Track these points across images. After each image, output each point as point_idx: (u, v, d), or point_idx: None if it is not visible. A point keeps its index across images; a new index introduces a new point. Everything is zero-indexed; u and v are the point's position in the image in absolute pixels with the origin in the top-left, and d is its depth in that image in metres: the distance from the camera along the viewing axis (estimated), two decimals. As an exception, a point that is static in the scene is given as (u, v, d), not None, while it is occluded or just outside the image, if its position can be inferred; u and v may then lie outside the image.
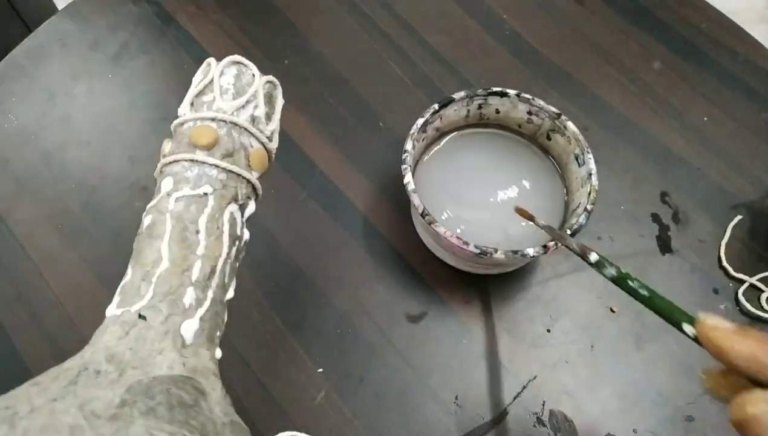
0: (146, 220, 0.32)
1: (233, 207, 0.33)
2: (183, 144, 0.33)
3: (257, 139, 0.35)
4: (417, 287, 0.45)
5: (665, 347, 0.43)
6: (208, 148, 0.32)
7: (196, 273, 0.30)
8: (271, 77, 0.36)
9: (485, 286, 0.45)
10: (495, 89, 0.42)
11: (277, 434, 0.39)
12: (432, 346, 0.43)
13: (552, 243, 0.37)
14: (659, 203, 0.49)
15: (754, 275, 0.45)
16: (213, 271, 0.31)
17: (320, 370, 0.42)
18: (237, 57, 0.35)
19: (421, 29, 0.56)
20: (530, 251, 0.37)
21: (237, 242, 0.34)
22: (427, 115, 0.41)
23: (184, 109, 0.34)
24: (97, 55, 0.54)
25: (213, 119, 0.33)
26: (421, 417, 0.41)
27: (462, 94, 0.42)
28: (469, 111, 0.44)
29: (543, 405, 0.41)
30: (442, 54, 0.55)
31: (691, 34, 0.56)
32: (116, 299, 0.30)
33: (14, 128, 0.50)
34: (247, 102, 0.34)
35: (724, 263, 0.46)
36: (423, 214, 0.38)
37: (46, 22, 0.56)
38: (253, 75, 0.35)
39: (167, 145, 0.34)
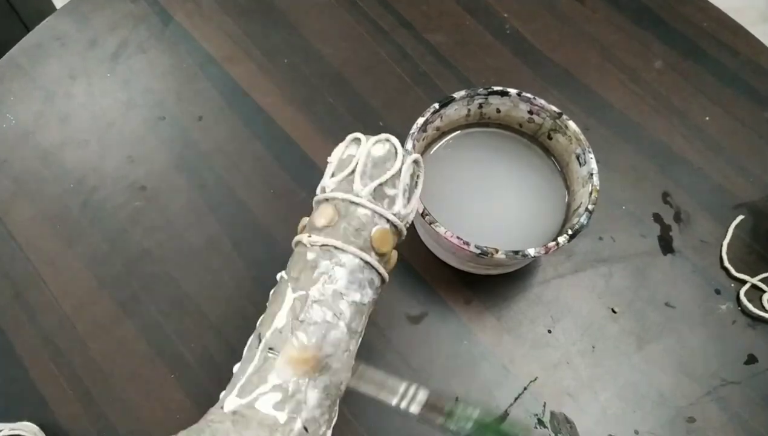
0: (315, 311, 0.29)
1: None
2: (360, 237, 0.30)
3: (398, 241, 0.33)
4: (417, 287, 0.45)
5: (667, 348, 0.43)
6: (384, 254, 0.30)
7: (343, 386, 0.29)
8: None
9: (486, 286, 0.45)
10: (496, 88, 0.42)
11: None
12: (432, 347, 0.43)
13: (552, 243, 0.37)
14: (661, 203, 0.48)
15: (756, 276, 0.45)
16: (342, 383, 0.30)
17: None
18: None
19: (421, 28, 0.56)
20: (531, 252, 0.37)
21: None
22: (428, 114, 0.41)
23: (364, 190, 0.30)
24: (95, 54, 0.54)
25: (388, 220, 0.31)
26: (421, 418, 0.40)
27: (462, 93, 0.42)
28: (469, 110, 0.43)
29: (544, 406, 0.41)
30: (443, 53, 0.54)
31: (693, 33, 0.56)
32: (275, 394, 0.28)
33: (12, 128, 0.50)
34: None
35: (726, 264, 0.46)
36: (423, 215, 0.38)
37: (44, 21, 0.55)
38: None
39: (333, 216, 0.30)
